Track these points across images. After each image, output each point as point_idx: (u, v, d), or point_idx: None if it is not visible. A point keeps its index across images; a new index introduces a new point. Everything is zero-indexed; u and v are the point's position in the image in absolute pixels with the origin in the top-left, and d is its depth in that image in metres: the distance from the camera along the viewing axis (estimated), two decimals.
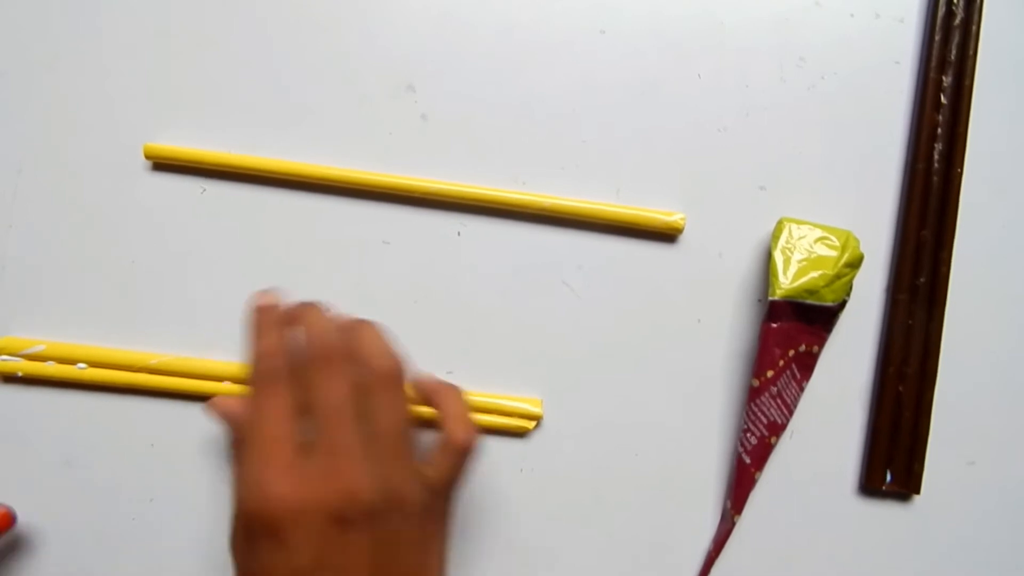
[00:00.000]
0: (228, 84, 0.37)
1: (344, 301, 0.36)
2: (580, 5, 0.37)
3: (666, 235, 0.36)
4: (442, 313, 0.36)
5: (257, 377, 0.27)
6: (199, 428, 0.35)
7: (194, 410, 0.35)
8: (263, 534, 0.24)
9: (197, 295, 0.36)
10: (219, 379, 0.35)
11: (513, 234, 0.36)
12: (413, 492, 0.26)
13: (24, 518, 0.34)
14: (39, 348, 0.35)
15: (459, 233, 0.36)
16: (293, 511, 0.24)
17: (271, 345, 0.27)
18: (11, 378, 0.35)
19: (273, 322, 0.28)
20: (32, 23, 0.37)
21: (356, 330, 0.28)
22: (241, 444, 0.26)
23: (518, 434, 0.35)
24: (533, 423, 0.35)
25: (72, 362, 0.35)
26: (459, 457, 0.28)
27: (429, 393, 0.29)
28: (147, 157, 0.36)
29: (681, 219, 0.35)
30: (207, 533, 0.35)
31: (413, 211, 0.36)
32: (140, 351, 0.35)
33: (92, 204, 0.36)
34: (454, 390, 0.29)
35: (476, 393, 0.35)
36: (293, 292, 0.36)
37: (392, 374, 0.27)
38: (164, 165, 0.36)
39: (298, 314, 0.28)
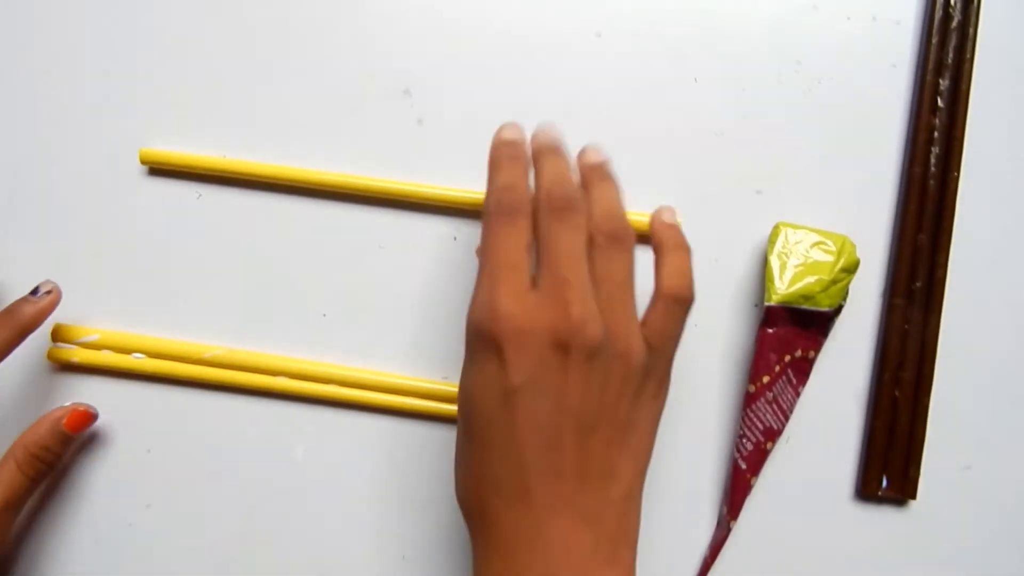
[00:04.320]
0: (224, 89, 0.37)
1: (339, 305, 0.36)
2: (576, 8, 0.37)
3: None
4: (437, 318, 0.36)
5: (497, 208, 0.27)
6: (196, 432, 0.35)
7: (188, 409, 0.35)
8: (486, 349, 0.25)
9: (192, 300, 0.36)
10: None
11: None
12: (635, 346, 0.26)
13: (33, 520, 0.35)
14: (94, 337, 0.35)
15: (455, 238, 0.36)
16: (517, 330, 0.24)
17: (514, 179, 0.28)
18: (68, 366, 0.35)
19: (517, 157, 0.29)
20: (27, 28, 0.37)
21: (595, 187, 0.28)
22: (479, 271, 0.26)
23: None
24: None
25: (128, 352, 0.35)
26: (671, 307, 0.27)
27: (656, 242, 0.29)
28: (143, 162, 0.36)
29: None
30: (204, 540, 0.35)
31: (409, 216, 0.36)
32: (195, 343, 0.36)
33: (88, 209, 0.36)
34: (681, 248, 0.29)
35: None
36: (286, 296, 0.36)
37: (623, 236, 0.27)
38: (160, 170, 0.36)
39: (541, 156, 0.29)
